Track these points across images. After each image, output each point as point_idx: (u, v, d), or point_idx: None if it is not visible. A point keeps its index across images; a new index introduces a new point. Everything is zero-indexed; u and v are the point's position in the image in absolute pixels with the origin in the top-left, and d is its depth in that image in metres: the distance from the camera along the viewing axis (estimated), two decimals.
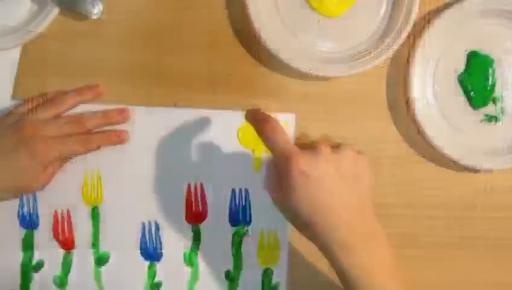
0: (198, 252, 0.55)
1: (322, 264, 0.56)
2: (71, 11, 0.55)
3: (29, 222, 0.55)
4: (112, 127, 0.55)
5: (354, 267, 0.43)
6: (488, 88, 0.56)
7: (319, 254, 0.56)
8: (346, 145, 0.45)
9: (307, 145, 0.45)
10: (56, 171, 0.53)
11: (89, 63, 0.55)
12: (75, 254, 0.55)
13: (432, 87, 0.56)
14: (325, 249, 0.44)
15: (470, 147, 0.56)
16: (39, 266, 0.55)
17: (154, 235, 0.55)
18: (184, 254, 0.55)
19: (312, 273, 0.56)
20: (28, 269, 0.54)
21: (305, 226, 0.44)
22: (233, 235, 0.55)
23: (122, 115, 0.54)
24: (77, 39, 0.56)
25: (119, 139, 0.54)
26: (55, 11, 0.55)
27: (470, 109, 0.57)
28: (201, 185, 0.55)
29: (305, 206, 0.43)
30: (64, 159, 0.53)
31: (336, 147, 0.45)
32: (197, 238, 0.55)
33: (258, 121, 0.45)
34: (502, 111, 0.57)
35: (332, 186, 0.43)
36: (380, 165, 0.57)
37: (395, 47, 0.54)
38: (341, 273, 0.44)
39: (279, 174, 0.44)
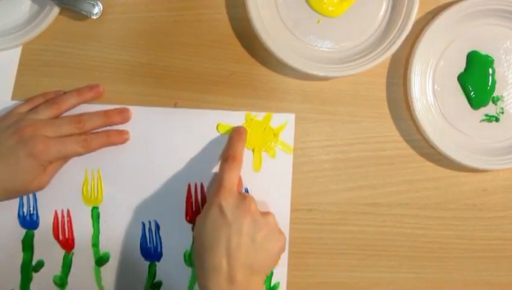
0: None
1: (322, 264, 0.56)
2: (71, 11, 0.55)
3: (29, 222, 0.55)
4: (112, 127, 0.54)
5: None
6: (488, 88, 0.56)
7: (319, 254, 0.56)
8: (272, 215, 0.49)
9: (241, 192, 0.51)
10: (56, 172, 0.53)
11: (89, 63, 0.55)
12: (75, 254, 0.55)
13: (432, 87, 0.56)
14: (200, 278, 0.47)
15: (470, 147, 0.56)
16: (39, 266, 0.55)
17: (154, 235, 0.55)
18: (184, 254, 0.55)
19: (312, 273, 0.56)
20: (28, 269, 0.54)
21: (199, 250, 0.48)
22: None
23: (122, 115, 0.54)
24: (77, 39, 0.56)
25: (120, 139, 0.54)
26: (55, 11, 0.55)
27: (470, 109, 0.57)
28: (202, 185, 0.55)
29: (205, 235, 0.47)
30: (64, 159, 0.53)
31: (264, 212, 0.49)
32: None
33: (227, 153, 0.52)
34: (502, 111, 0.57)
35: (235, 235, 0.46)
36: (380, 165, 0.57)
37: (395, 47, 0.54)
38: None
39: (209, 197, 0.51)
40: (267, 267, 0.48)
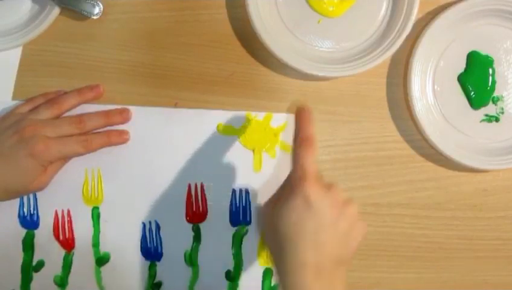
0: (198, 252, 0.55)
1: None
2: (71, 11, 0.55)
3: (29, 222, 0.55)
4: (112, 127, 0.54)
5: None
6: (488, 88, 0.56)
7: None
8: (355, 203, 0.45)
9: (325, 181, 0.45)
10: (56, 172, 0.53)
11: (89, 63, 0.56)
12: (75, 254, 0.55)
13: (432, 87, 0.56)
14: (283, 275, 0.43)
15: (470, 147, 0.56)
16: (39, 266, 0.55)
17: (154, 235, 0.55)
18: (184, 254, 0.55)
19: None
20: (28, 269, 0.54)
21: (277, 244, 0.44)
22: (234, 235, 0.55)
23: (123, 115, 0.54)
24: (77, 39, 0.56)
25: (120, 139, 0.54)
26: (55, 11, 0.54)
27: (470, 109, 0.57)
28: (202, 185, 0.55)
29: (289, 228, 0.43)
30: (64, 159, 0.53)
31: (347, 199, 0.45)
32: (197, 238, 0.55)
33: (301, 135, 0.46)
34: (502, 111, 0.57)
35: (323, 229, 0.43)
36: (380, 165, 0.57)
37: (395, 47, 0.54)
38: None
39: (286, 187, 0.45)
40: (350, 256, 0.45)
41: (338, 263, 0.44)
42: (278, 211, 0.44)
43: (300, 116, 0.47)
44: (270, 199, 0.47)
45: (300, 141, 0.46)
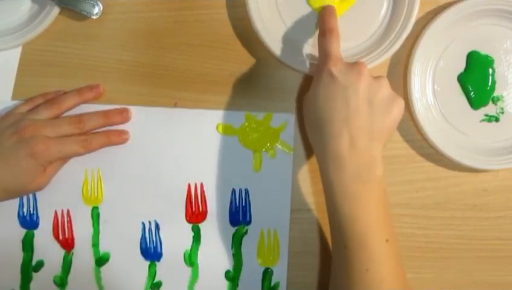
0: (198, 252, 0.55)
1: (322, 264, 0.56)
2: (71, 11, 0.55)
3: (29, 222, 0.55)
4: (112, 127, 0.54)
5: (339, 183, 0.44)
6: (488, 88, 0.56)
7: (319, 254, 0.56)
8: (386, 79, 0.47)
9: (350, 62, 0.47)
10: (56, 172, 0.53)
11: (89, 63, 0.56)
12: (75, 254, 0.55)
13: (432, 87, 0.56)
14: (322, 158, 0.45)
15: (470, 147, 0.56)
16: (39, 266, 0.55)
17: (154, 235, 0.55)
18: (184, 254, 0.55)
19: (312, 273, 0.56)
20: (28, 269, 0.54)
21: (314, 126, 0.46)
22: (233, 235, 0.55)
23: (123, 115, 0.54)
24: (77, 39, 0.56)
25: (120, 139, 0.54)
26: (55, 11, 0.55)
27: (470, 109, 0.57)
28: (202, 185, 0.55)
29: (320, 104, 0.45)
30: (64, 159, 0.53)
31: (377, 76, 0.47)
32: (197, 238, 0.55)
33: (325, 27, 0.49)
34: (502, 111, 0.57)
35: (352, 99, 0.45)
36: None
37: (396, 47, 0.54)
38: (326, 187, 0.45)
39: (315, 73, 0.48)
40: (386, 132, 0.46)
41: (371, 137, 0.45)
42: (311, 94, 0.47)
43: (325, 11, 0.51)
44: (307, 93, 0.48)
45: (324, 32, 0.49)
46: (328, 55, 0.47)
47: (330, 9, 0.51)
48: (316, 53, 0.56)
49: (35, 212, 0.55)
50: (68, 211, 0.55)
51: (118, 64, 0.56)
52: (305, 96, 0.49)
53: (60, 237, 0.55)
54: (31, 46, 0.55)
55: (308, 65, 0.54)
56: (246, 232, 0.55)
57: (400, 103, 0.47)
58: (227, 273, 0.55)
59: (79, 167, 0.54)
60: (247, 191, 0.55)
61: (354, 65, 0.46)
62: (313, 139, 0.48)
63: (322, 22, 0.50)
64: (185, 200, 0.55)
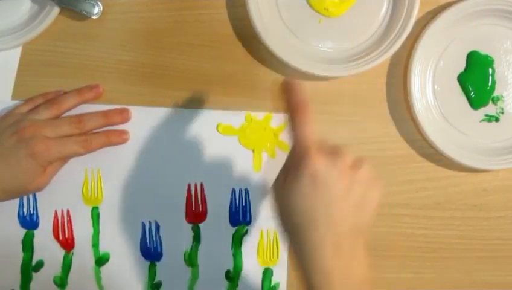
0: (198, 252, 0.55)
1: None
2: (71, 11, 0.55)
3: (29, 222, 0.55)
4: (112, 127, 0.54)
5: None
6: (488, 88, 0.56)
7: None
8: (366, 164, 0.42)
9: (329, 147, 0.42)
10: (56, 172, 0.53)
11: (89, 63, 0.55)
12: (75, 254, 0.55)
13: (432, 87, 0.56)
14: (301, 259, 0.41)
15: (470, 147, 0.56)
16: (39, 266, 0.55)
17: (154, 235, 0.55)
18: (184, 254, 0.55)
19: None
20: (28, 269, 0.54)
21: (291, 226, 0.42)
22: (233, 235, 0.55)
23: (123, 115, 0.54)
24: (77, 39, 0.56)
25: (120, 139, 0.54)
26: (55, 11, 0.54)
27: (470, 109, 0.57)
28: (202, 185, 0.55)
29: (300, 209, 0.40)
30: (64, 159, 0.53)
31: (357, 160, 0.42)
32: (197, 238, 0.55)
33: (295, 103, 0.42)
34: (502, 111, 0.57)
35: (335, 202, 0.40)
36: (380, 165, 0.57)
37: (396, 47, 0.54)
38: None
39: (292, 164, 0.42)
40: (369, 222, 0.42)
41: (356, 234, 0.41)
42: (287, 196, 0.41)
43: (286, 86, 0.43)
44: (277, 179, 0.43)
45: (293, 111, 0.42)
46: (305, 147, 0.41)
47: (292, 83, 0.43)
48: (316, 53, 0.56)
49: (35, 212, 0.55)
50: (68, 211, 0.55)
51: (118, 64, 0.56)
52: (278, 185, 0.43)
53: (60, 237, 0.55)
54: (31, 46, 0.55)
55: (308, 65, 0.54)
56: (246, 232, 0.55)
57: (380, 188, 0.42)
58: (227, 273, 0.55)
59: (79, 167, 0.54)
60: (247, 191, 0.55)
61: (336, 158, 0.40)
62: (291, 239, 0.42)
63: (288, 99, 0.42)
64: (185, 200, 0.55)
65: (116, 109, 0.55)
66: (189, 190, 0.55)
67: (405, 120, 0.57)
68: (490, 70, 0.56)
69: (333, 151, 0.41)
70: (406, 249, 0.57)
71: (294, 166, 0.41)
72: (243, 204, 0.55)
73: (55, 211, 0.55)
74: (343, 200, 0.40)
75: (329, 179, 0.40)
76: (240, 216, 0.55)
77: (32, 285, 0.54)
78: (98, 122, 0.53)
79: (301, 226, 0.40)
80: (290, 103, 0.42)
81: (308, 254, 0.40)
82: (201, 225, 0.55)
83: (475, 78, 0.56)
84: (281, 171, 0.43)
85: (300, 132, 0.41)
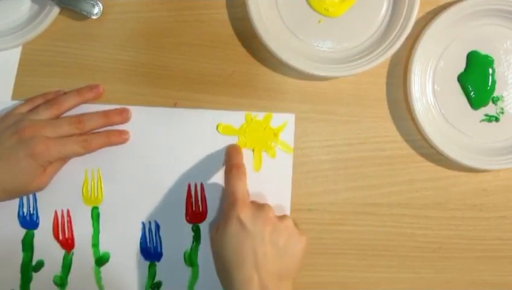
0: (198, 252, 0.55)
1: (322, 264, 0.56)
2: (71, 11, 0.55)
3: (29, 222, 0.55)
4: (112, 127, 0.54)
5: None
6: (488, 88, 0.56)
7: (319, 254, 0.56)
8: (289, 218, 0.49)
9: (256, 202, 0.50)
10: (56, 172, 0.53)
11: (89, 63, 0.55)
12: (75, 254, 0.55)
13: (432, 87, 0.56)
14: None
15: (470, 147, 0.56)
16: (39, 266, 0.55)
17: (154, 235, 0.55)
18: (184, 254, 0.55)
19: (312, 273, 0.56)
20: (28, 269, 0.54)
21: (222, 268, 0.48)
22: None
23: (122, 115, 0.54)
24: (77, 39, 0.56)
25: (120, 139, 0.54)
26: (55, 11, 0.54)
27: (470, 109, 0.57)
28: (201, 185, 0.55)
29: (229, 251, 0.47)
30: (64, 159, 0.53)
31: (281, 215, 0.49)
32: (197, 238, 0.55)
33: (231, 162, 0.52)
34: (502, 111, 0.57)
35: (260, 246, 0.46)
36: (380, 165, 0.57)
37: (396, 47, 0.54)
38: None
39: (222, 214, 0.50)
40: (293, 270, 0.48)
41: (280, 278, 0.47)
42: (218, 238, 0.48)
43: (229, 149, 0.54)
44: (212, 223, 0.52)
45: (230, 168, 0.51)
46: (236, 197, 0.48)
47: (236, 146, 0.54)
48: (316, 52, 0.56)
49: (35, 212, 0.55)
50: (68, 211, 0.55)
51: (118, 64, 0.56)
52: (213, 230, 0.50)
53: (60, 237, 0.55)
54: (31, 46, 0.55)
55: (308, 65, 0.54)
56: None
57: (303, 241, 0.49)
58: None
59: (79, 167, 0.54)
60: (247, 191, 0.55)
61: (261, 209, 0.48)
62: (222, 280, 0.49)
63: (228, 158, 0.53)
64: (185, 200, 0.55)
65: (116, 109, 0.55)
66: (189, 190, 0.55)
67: (405, 120, 0.57)
68: (490, 70, 0.56)
69: (260, 205, 0.49)
70: (406, 249, 0.57)
71: (224, 215, 0.49)
72: None
73: (55, 211, 0.55)
74: (267, 244, 0.46)
75: (254, 224, 0.47)
76: None
77: (32, 285, 0.54)
78: (98, 122, 0.53)
79: (231, 264, 0.47)
80: (228, 164, 0.52)
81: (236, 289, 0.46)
82: (201, 225, 0.55)
83: (475, 78, 0.56)
84: (215, 222, 0.52)
85: (232, 186, 0.50)
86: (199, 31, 0.56)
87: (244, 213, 0.47)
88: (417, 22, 0.55)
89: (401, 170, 0.57)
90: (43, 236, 0.54)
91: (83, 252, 0.55)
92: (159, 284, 0.55)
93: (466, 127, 0.56)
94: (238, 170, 0.51)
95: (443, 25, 0.55)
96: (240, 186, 0.50)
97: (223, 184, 0.55)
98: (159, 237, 0.55)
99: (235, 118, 0.55)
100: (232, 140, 0.55)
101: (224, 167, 0.55)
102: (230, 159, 0.53)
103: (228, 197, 0.50)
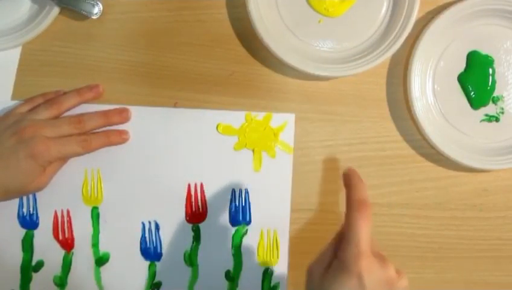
0: (198, 252, 0.55)
1: None
2: (71, 11, 0.55)
3: (29, 222, 0.55)
4: (111, 127, 0.54)
5: None
6: (488, 88, 0.56)
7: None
8: (406, 277, 0.42)
9: (377, 252, 0.42)
10: (55, 172, 0.53)
11: (89, 63, 0.55)
12: (75, 254, 0.55)
13: (432, 87, 0.56)
14: None
15: (470, 147, 0.56)
16: (39, 266, 0.55)
17: (154, 235, 0.55)
18: (184, 254, 0.55)
19: None
20: (28, 269, 0.54)
21: None
22: (233, 235, 0.55)
23: (122, 115, 0.54)
24: (77, 39, 0.56)
25: (120, 139, 0.54)
26: (55, 11, 0.54)
27: (470, 109, 0.57)
28: (201, 185, 0.55)
29: None
30: (63, 159, 0.53)
31: (399, 271, 0.42)
32: (197, 238, 0.55)
33: (357, 198, 0.42)
34: (502, 111, 0.57)
35: None
36: (380, 165, 0.57)
37: (396, 47, 0.54)
38: None
39: (339, 257, 0.42)
40: None
41: None
42: (329, 285, 0.41)
43: (354, 178, 0.43)
44: (318, 261, 0.43)
45: (357, 205, 0.41)
46: (362, 250, 0.40)
47: (358, 175, 0.43)
48: (316, 52, 0.56)
49: (35, 212, 0.54)
50: (68, 211, 0.55)
51: (118, 64, 0.56)
52: (318, 269, 0.43)
53: (60, 237, 0.55)
54: (31, 46, 0.55)
55: (308, 65, 0.54)
56: (246, 232, 0.55)
57: None
58: (227, 273, 0.55)
59: (79, 167, 0.54)
60: (247, 191, 0.55)
61: (385, 268, 0.41)
62: None
63: (352, 191, 0.42)
64: (185, 200, 0.55)
65: (116, 109, 0.55)
66: (189, 190, 0.55)
67: (405, 120, 0.57)
68: (490, 70, 0.56)
69: (382, 259, 0.41)
70: (406, 249, 0.57)
71: (341, 260, 0.41)
72: (243, 204, 0.55)
73: (55, 211, 0.55)
74: None
75: (375, 285, 0.40)
76: (240, 216, 0.55)
77: (32, 285, 0.54)
78: (97, 122, 0.53)
79: None
80: (351, 200, 0.42)
81: None
82: (201, 225, 0.55)
83: (475, 78, 0.56)
84: (321, 256, 0.44)
85: (358, 232, 0.41)
86: (199, 31, 0.56)
87: (368, 272, 0.40)
88: (417, 22, 0.55)
89: (401, 170, 0.57)
90: (43, 236, 0.54)
91: (82, 252, 0.55)
92: (159, 284, 0.55)
93: (466, 127, 0.56)
94: (366, 210, 0.41)
95: (443, 25, 0.55)
96: (367, 233, 0.41)
97: (223, 184, 0.55)
98: (159, 237, 0.55)
99: (235, 118, 0.55)
100: (232, 140, 0.55)
101: (224, 168, 0.55)
102: (355, 192, 0.42)
103: (351, 244, 0.41)
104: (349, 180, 0.43)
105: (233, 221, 0.55)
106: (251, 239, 0.55)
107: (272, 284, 0.55)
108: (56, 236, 0.55)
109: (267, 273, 0.55)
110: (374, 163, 0.57)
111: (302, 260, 0.56)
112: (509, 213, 0.57)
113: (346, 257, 0.41)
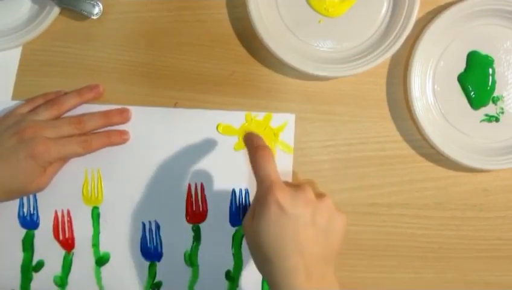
0: (198, 252, 0.55)
1: None
2: (71, 11, 0.55)
3: (29, 222, 0.55)
4: (112, 127, 0.54)
5: None
6: (488, 88, 0.56)
7: None
8: (329, 197, 0.45)
9: (291, 183, 0.45)
10: (56, 173, 0.53)
11: (89, 63, 0.55)
12: (75, 254, 0.55)
13: (432, 87, 0.56)
14: (273, 287, 0.43)
15: (470, 147, 0.56)
16: (39, 266, 0.55)
17: (154, 235, 0.55)
18: (184, 254, 0.55)
19: None
20: (28, 269, 0.54)
21: (262, 260, 0.43)
22: (233, 235, 0.55)
23: (123, 116, 0.54)
24: (77, 39, 0.56)
25: (120, 139, 0.54)
26: (55, 11, 0.55)
27: (470, 109, 0.57)
28: (202, 185, 0.55)
29: (269, 239, 0.42)
30: (64, 160, 0.53)
31: (319, 194, 0.45)
32: (197, 238, 0.55)
33: (254, 146, 0.46)
34: (502, 111, 0.57)
35: (303, 229, 0.42)
36: (380, 165, 0.57)
37: (396, 47, 0.54)
38: None
39: (257, 201, 0.44)
40: (336, 251, 0.44)
41: (325, 261, 0.43)
42: (255, 226, 0.43)
43: (247, 134, 0.48)
44: (246, 215, 0.46)
45: (255, 151, 0.45)
46: (272, 181, 0.43)
47: (252, 132, 0.49)
48: (316, 53, 0.56)
49: (35, 212, 0.55)
50: (68, 211, 0.55)
51: (118, 64, 0.56)
52: (247, 220, 0.45)
53: (60, 237, 0.55)
54: (31, 46, 0.55)
55: (308, 65, 0.54)
56: None
57: (344, 219, 0.45)
58: (227, 273, 0.55)
59: (79, 167, 0.54)
60: (247, 191, 0.55)
61: (300, 190, 0.43)
62: (263, 272, 0.45)
63: (249, 143, 0.47)
64: (185, 200, 0.55)
65: (116, 109, 0.55)
66: (189, 190, 0.55)
67: (405, 120, 0.57)
68: (490, 70, 0.56)
69: (296, 185, 0.44)
70: (406, 249, 0.57)
71: (260, 201, 0.43)
72: (243, 204, 0.55)
73: (55, 211, 0.55)
74: (309, 227, 0.43)
75: (295, 206, 0.42)
76: (240, 216, 0.55)
77: (32, 285, 0.54)
78: (98, 122, 0.53)
79: (272, 252, 0.42)
80: (251, 148, 0.46)
81: (280, 282, 0.42)
82: (201, 225, 0.55)
83: (475, 78, 0.56)
84: (248, 211, 0.46)
85: (263, 169, 0.44)
86: (199, 31, 0.56)
87: (283, 196, 0.42)
88: (417, 22, 0.55)
89: (401, 170, 0.57)
90: (43, 236, 0.55)
91: (83, 252, 0.55)
92: (159, 284, 0.55)
93: (466, 127, 0.56)
94: (264, 152, 0.45)
95: (443, 25, 0.55)
96: (272, 168, 0.44)
97: (223, 184, 0.55)
98: (159, 237, 0.55)
99: (235, 118, 0.55)
100: (232, 140, 0.55)
101: (224, 168, 0.55)
102: (251, 142, 0.46)
103: (262, 182, 0.44)
104: (248, 139, 0.47)
105: (234, 221, 0.55)
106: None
107: None
108: (56, 236, 0.55)
109: None
110: (374, 163, 0.57)
111: None
112: (509, 213, 0.57)
113: (262, 194, 0.44)
